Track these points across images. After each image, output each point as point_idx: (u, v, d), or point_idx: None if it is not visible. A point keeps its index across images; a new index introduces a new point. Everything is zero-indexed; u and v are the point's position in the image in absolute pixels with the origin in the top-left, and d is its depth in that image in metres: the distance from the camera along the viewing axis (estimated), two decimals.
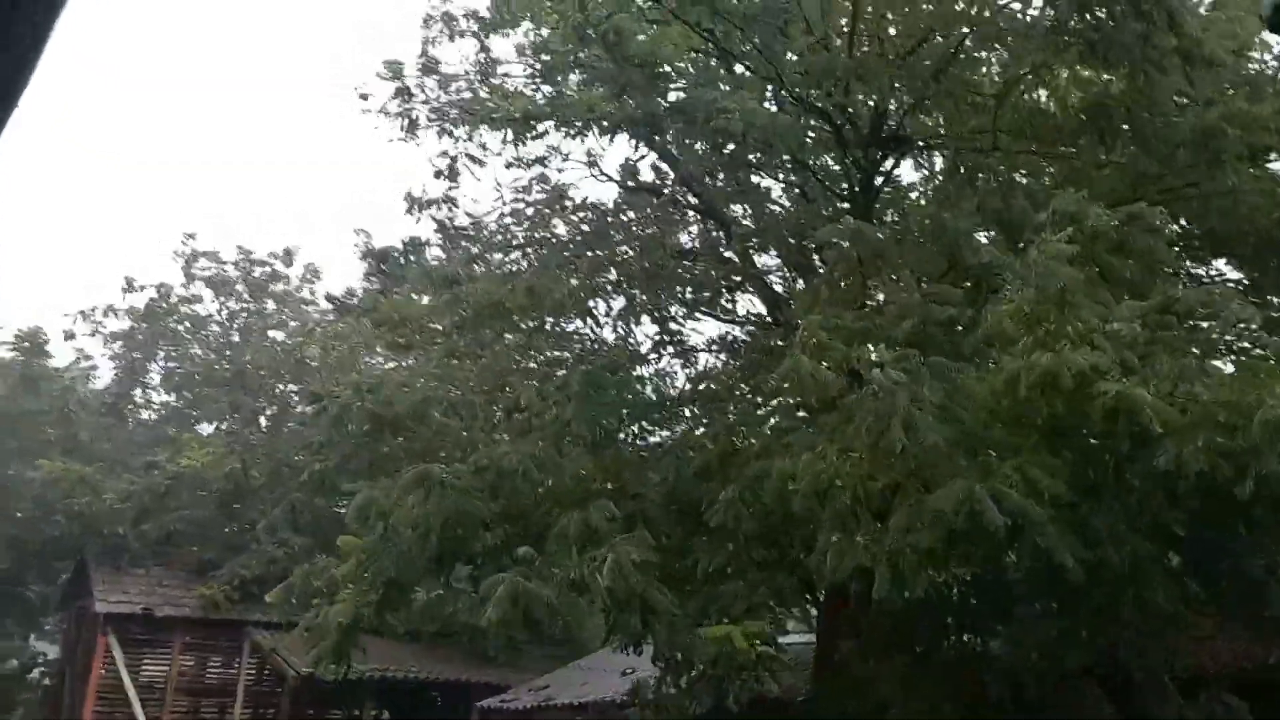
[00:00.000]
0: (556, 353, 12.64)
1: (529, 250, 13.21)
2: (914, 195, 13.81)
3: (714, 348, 13.66)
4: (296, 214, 51.48)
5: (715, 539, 10.13)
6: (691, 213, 13.74)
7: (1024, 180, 11.44)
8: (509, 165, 13.01)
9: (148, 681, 22.09)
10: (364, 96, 12.24)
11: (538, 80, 12.35)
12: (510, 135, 11.88)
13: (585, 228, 13.10)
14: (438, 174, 12.77)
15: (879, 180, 12.09)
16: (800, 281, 13.25)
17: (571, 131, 11.49)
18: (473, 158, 12.39)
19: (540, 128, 11.69)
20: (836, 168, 12.40)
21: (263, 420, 27.20)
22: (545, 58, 12.10)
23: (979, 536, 7.40)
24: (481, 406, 11.47)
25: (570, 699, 16.95)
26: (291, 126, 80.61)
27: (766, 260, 13.47)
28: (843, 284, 10.13)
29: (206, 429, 27.23)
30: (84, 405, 26.13)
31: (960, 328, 8.87)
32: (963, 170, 11.65)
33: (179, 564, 23.18)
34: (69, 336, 27.49)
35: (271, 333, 27.54)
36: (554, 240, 13.06)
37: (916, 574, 7.70)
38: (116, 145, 72.59)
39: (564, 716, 17.08)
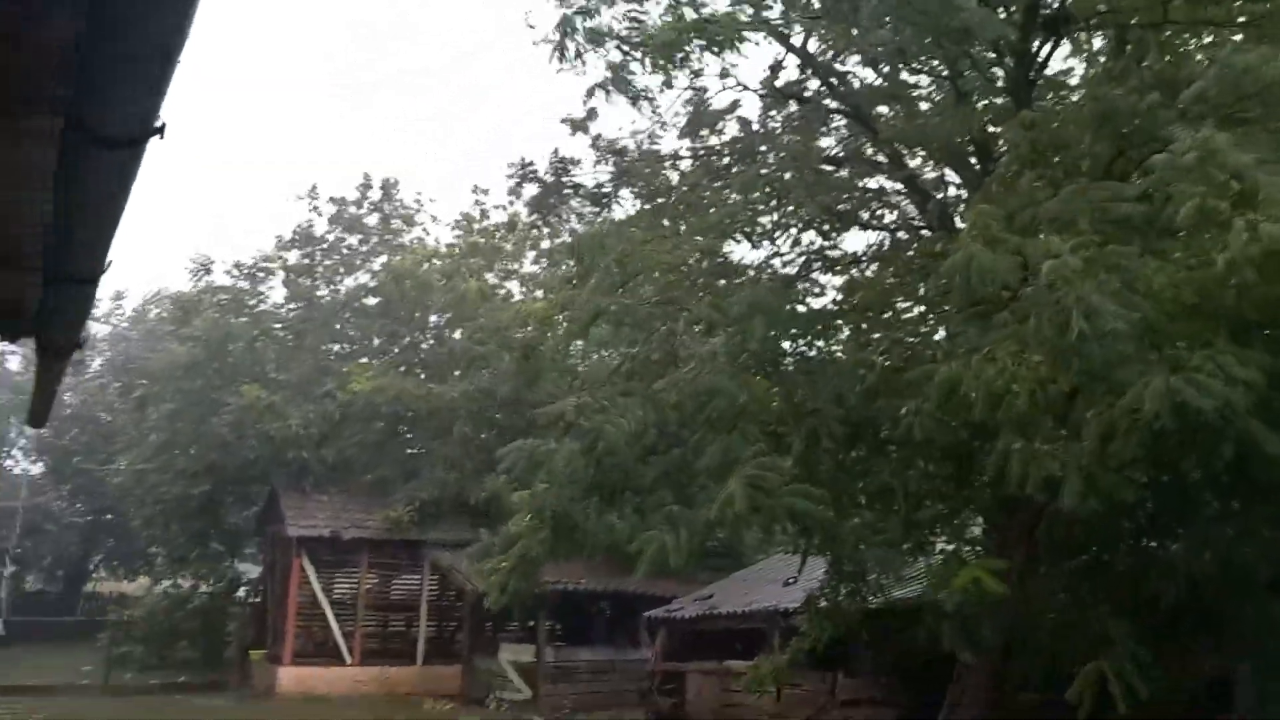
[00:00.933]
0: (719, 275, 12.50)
1: (679, 163, 13.11)
2: (1073, 83, 12.97)
3: (865, 258, 13.32)
4: (296, 215, 52.59)
5: (900, 458, 9.97)
6: (838, 118, 13.30)
7: (1201, 55, 10.53)
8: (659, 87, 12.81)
9: (340, 598, 23.80)
10: (531, 26, 12.33)
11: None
12: (661, 60, 11.71)
13: (735, 136, 12.87)
14: (590, 91, 12.75)
15: (1035, 66, 11.38)
16: (950, 178, 12.72)
17: (718, 47, 11.20)
18: (618, 74, 12.26)
19: (688, 48, 11.46)
20: (991, 57, 11.73)
21: (421, 349, 28.40)
22: None
23: (1183, 436, 6.99)
24: (648, 318, 11.28)
25: (734, 608, 17.33)
26: (290, 126, 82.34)
27: (915, 166, 12.96)
28: (1014, 179, 9.59)
29: (374, 361, 28.48)
30: (268, 336, 27.74)
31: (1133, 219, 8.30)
32: (1129, 48, 10.83)
33: (357, 489, 24.71)
34: (245, 272, 29.11)
35: (414, 266, 28.14)
36: (704, 152, 12.91)
37: (1113, 483, 7.37)
38: None
39: (728, 625, 17.49)
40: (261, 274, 28.71)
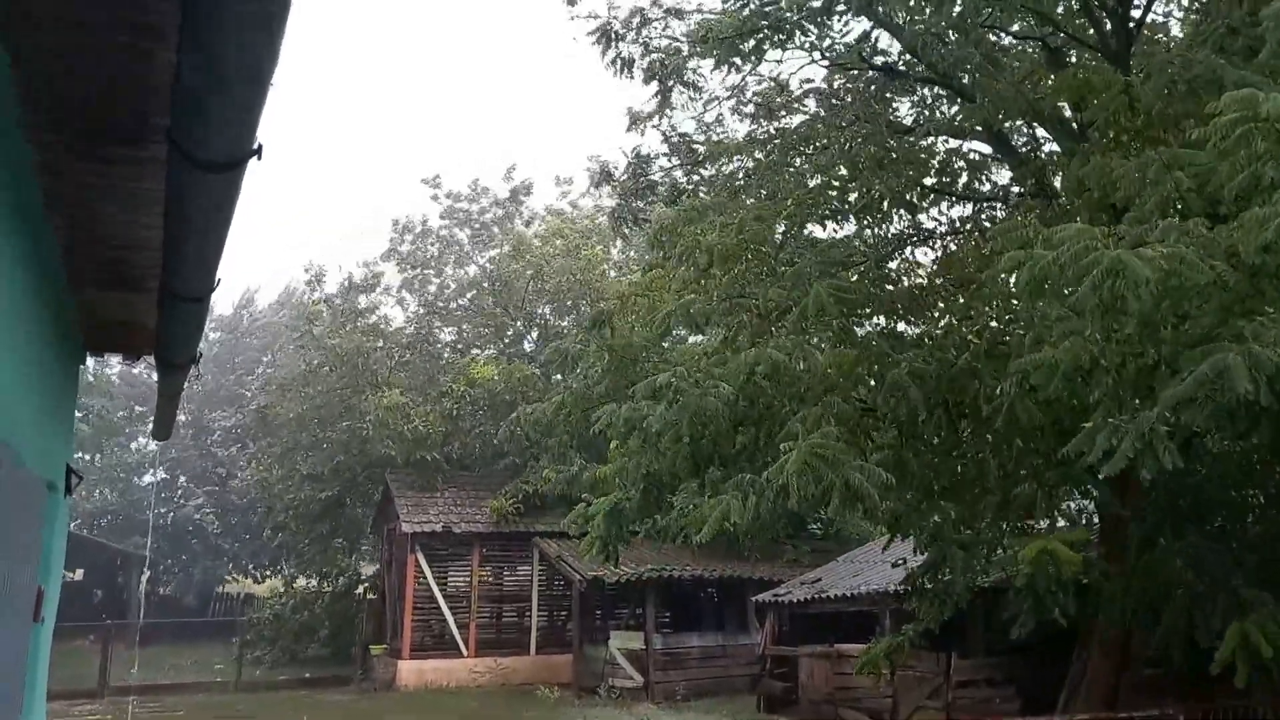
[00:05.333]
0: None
1: (756, 148, 13.01)
2: (1175, 32, 12.41)
3: (960, 229, 13.00)
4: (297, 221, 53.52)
5: (996, 438, 9.71)
6: (920, 85, 13.00)
7: None
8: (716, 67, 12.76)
9: (454, 592, 24.38)
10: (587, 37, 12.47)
11: None
12: (722, 53, 11.68)
13: (816, 111, 12.70)
14: (656, 92, 12.76)
15: (1132, 24, 10.93)
16: (1051, 143, 12.33)
17: (783, 37, 11.09)
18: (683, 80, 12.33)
19: (751, 43, 11.38)
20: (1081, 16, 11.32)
21: (527, 344, 28.83)
22: None
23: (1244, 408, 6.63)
24: (722, 314, 11.32)
25: (843, 591, 17.16)
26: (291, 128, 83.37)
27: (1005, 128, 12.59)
28: (1111, 145, 9.25)
29: (488, 352, 29.08)
30: (384, 339, 28.50)
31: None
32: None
33: (468, 483, 25.26)
34: (371, 284, 30.03)
35: (525, 261, 28.48)
36: (780, 132, 12.78)
37: (1178, 450, 7.00)
38: None
39: (838, 608, 17.34)
40: (371, 284, 29.46)
